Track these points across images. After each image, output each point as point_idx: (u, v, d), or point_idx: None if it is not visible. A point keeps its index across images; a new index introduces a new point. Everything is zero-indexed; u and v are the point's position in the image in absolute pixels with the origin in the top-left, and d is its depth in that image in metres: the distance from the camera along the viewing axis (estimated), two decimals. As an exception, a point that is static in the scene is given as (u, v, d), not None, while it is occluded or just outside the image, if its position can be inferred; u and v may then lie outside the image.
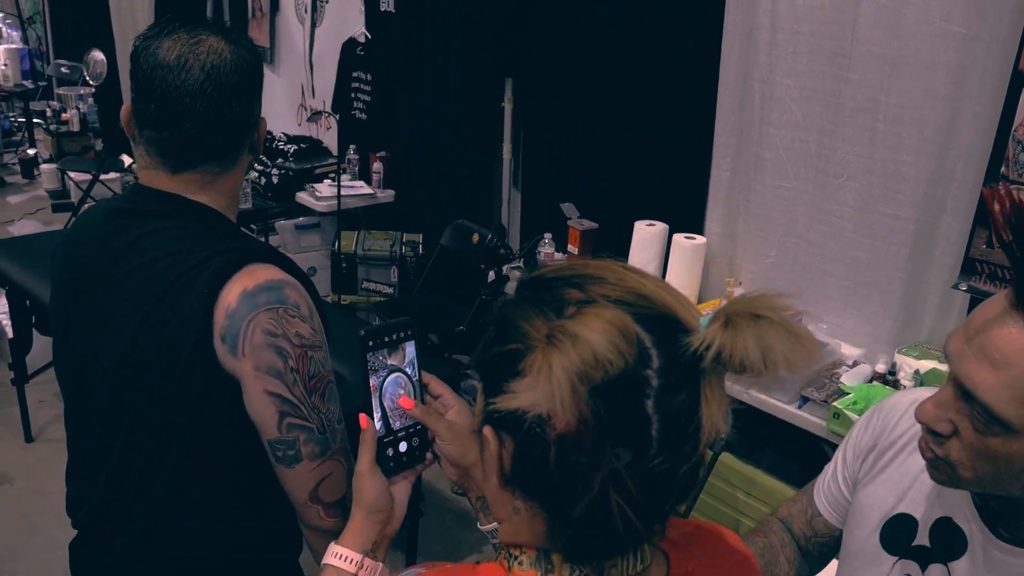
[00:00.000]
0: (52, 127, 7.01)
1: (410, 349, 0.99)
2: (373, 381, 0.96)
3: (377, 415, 0.97)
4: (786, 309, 0.65)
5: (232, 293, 1.10)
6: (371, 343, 0.96)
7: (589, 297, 0.67)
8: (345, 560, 0.95)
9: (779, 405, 2.44)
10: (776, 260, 2.87)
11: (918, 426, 0.97)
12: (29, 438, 3.61)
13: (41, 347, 3.47)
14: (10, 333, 3.50)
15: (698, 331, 0.66)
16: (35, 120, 7.67)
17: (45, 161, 7.00)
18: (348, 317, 3.43)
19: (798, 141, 2.71)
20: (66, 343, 1.29)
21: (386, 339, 0.97)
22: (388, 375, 0.97)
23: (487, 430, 0.72)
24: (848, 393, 2.34)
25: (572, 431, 0.63)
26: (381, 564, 0.97)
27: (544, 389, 0.61)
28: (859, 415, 2.24)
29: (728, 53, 2.88)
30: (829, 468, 1.25)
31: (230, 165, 1.20)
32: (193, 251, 1.13)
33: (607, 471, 0.64)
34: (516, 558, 0.74)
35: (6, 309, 3.52)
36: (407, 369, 0.99)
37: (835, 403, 2.28)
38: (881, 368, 2.48)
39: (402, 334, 0.98)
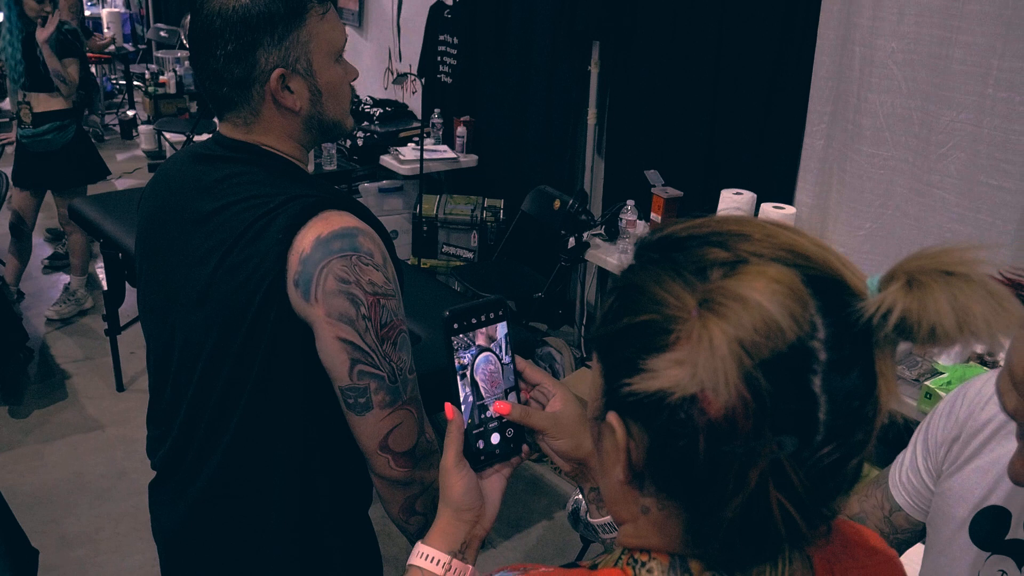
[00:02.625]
0: (150, 89, 7.22)
1: (501, 331, 0.89)
2: (459, 364, 0.87)
3: (465, 402, 0.87)
4: (981, 264, 0.54)
5: (306, 239, 1.09)
6: (456, 325, 0.86)
7: (738, 256, 0.56)
8: (432, 561, 0.87)
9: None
10: (870, 232, 2.75)
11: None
12: (120, 387, 3.75)
13: (133, 299, 3.59)
14: (104, 285, 3.63)
15: (867, 296, 0.56)
16: (135, 83, 7.92)
17: (143, 122, 7.22)
18: (428, 278, 3.44)
19: (900, 107, 2.58)
20: (148, 283, 1.30)
21: (473, 320, 0.87)
22: (477, 356, 0.87)
23: (612, 417, 0.61)
24: (942, 372, 2.23)
25: (728, 415, 0.53)
26: (471, 567, 0.89)
27: (704, 364, 0.51)
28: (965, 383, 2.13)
29: (827, 15, 2.75)
30: (905, 458, 1.16)
31: (250, 118, 1.17)
32: (269, 196, 1.13)
33: (767, 463, 0.54)
34: (643, 564, 0.63)
35: (102, 262, 3.65)
36: (497, 351, 0.89)
37: (927, 382, 2.18)
38: (980, 348, 2.35)
39: (492, 315, 0.88)
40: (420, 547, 0.89)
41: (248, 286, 1.11)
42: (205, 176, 1.20)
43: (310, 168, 4.26)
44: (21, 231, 4.14)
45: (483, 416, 0.89)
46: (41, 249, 4.97)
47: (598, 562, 0.67)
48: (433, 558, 0.88)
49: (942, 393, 2.13)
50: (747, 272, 0.55)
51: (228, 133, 1.20)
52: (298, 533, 1.25)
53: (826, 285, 0.55)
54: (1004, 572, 1.01)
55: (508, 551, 2.89)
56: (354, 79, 1.24)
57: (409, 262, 4.34)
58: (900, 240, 2.65)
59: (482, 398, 0.90)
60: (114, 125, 7.58)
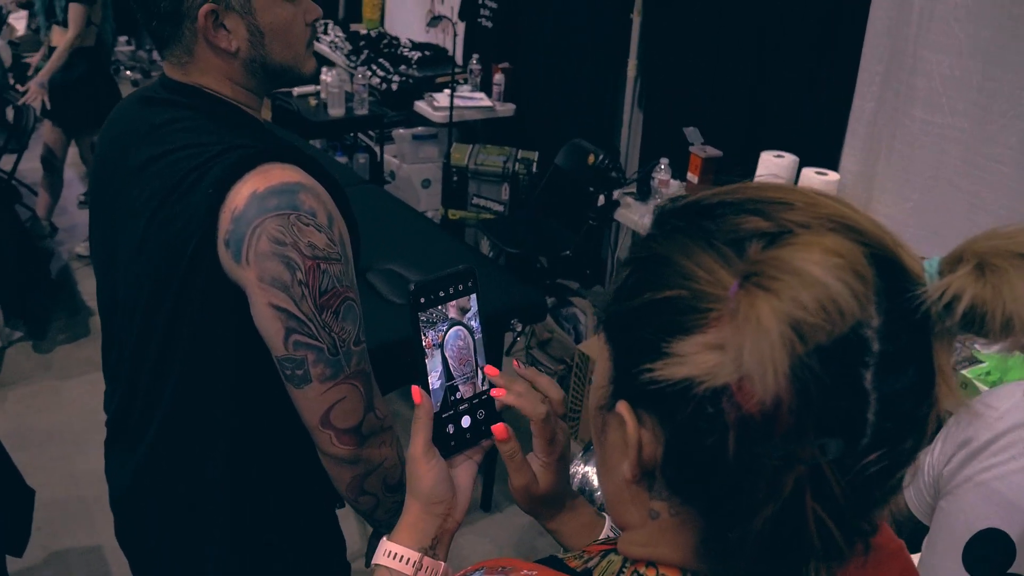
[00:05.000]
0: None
1: (473, 302, 0.81)
2: (427, 342, 0.78)
3: (434, 384, 0.79)
4: None
5: (240, 195, 0.98)
6: (423, 299, 0.77)
7: (781, 226, 0.49)
8: (400, 560, 0.78)
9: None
10: (917, 205, 2.55)
11: None
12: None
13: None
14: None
15: (924, 280, 0.48)
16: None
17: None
18: (449, 235, 3.30)
19: (959, 69, 2.36)
20: (94, 233, 1.24)
21: (441, 293, 0.79)
22: (448, 331, 0.79)
23: (622, 407, 0.54)
24: (982, 362, 2.05)
25: (767, 411, 0.45)
26: (443, 564, 0.80)
27: (751, 349, 0.43)
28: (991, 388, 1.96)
29: (886, -36, 2.53)
30: (925, 457, 1.04)
31: (184, 58, 1.07)
32: (207, 145, 1.03)
33: (805, 469, 0.46)
34: None
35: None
36: (469, 324, 0.81)
37: (964, 371, 2.01)
38: (1027, 338, 2.16)
39: (462, 286, 0.80)
40: (386, 544, 0.80)
41: (177, 243, 1.01)
42: (148, 121, 1.11)
43: (338, 112, 4.16)
44: (52, 165, 4.13)
45: (453, 398, 0.81)
46: (77, 185, 4.98)
47: (591, 567, 0.58)
48: (402, 556, 0.78)
49: (980, 385, 1.96)
50: (801, 242, 0.46)
51: (170, 74, 1.10)
52: (232, 506, 1.17)
53: (884, 265, 0.48)
54: None
55: (502, 526, 2.81)
56: (314, 18, 1.12)
57: (438, 212, 4.23)
58: (949, 215, 2.45)
59: (452, 378, 0.80)
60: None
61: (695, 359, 0.45)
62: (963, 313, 0.46)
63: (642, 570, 0.56)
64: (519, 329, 3.56)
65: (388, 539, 0.80)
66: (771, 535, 0.48)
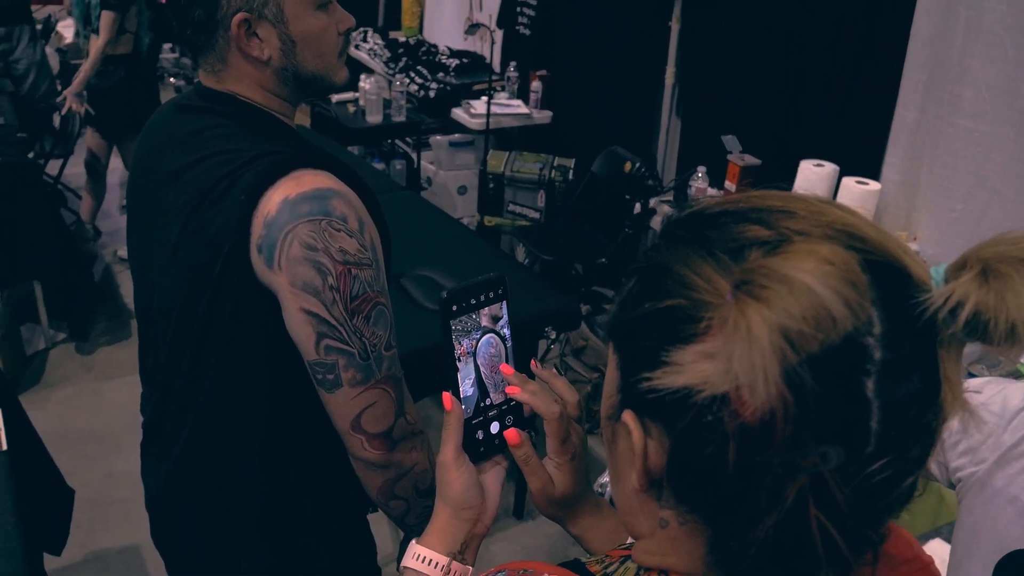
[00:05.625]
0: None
1: (504, 310, 0.82)
2: (459, 350, 0.79)
3: (466, 391, 0.80)
4: None
5: (273, 201, 0.99)
6: (455, 307, 0.78)
7: (781, 235, 0.49)
8: (429, 564, 0.79)
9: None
10: (961, 215, 2.50)
11: None
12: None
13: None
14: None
15: (931, 287, 0.48)
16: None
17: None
18: (485, 243, 3.29)
19: (1005, 79, 2.31)
20: (131, 240, 1.26)
21: (473, 301, 0.79)
22: (481, 338, 0.80)
23: (628, 416, 0.54)
24: (1027, 377, 2.00)
25: (765, 420, 0.45)
26: (471, 568, 0.81)
27: (740, 358, 0.43)
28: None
29: (931, -29, 2.49)
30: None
31: (218, 66, 1.08)
32: (239, 152, 1.04)
33: (807, 478, 0.46)
34: None
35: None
36: (502, 331, 0.82)
37: (1009, 386, 1.96)
38: (1074, 351, 2.11)
39: (491, 294, 0.80)
40: (415, 548, 0.80)
41: (211, 249, 1.02)
42: (183, 128, 1.12)
43: (376, 119, 4.19)
44: (96, 169, 4.21)
45: (483, 404, 0.82)
46: (120, 190, 5.07)
47: (610, 572, 0.59)
48: (430, 560, 0.79)
49: (1024, 399, 1.91)
50: (794, 251, 0.47)
51: (204, 81, 1.12)
52: (265, 509, 1.18)
53: (885, 272, 0.48)
54: None
55: (534, 534, 2.80)
56: (347, 28, 1.13)
57: (474, 219, 4.24)
58: (993, 225, 2.40)
59: (483, 385, 0.81)
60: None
61: (692, 368, 0.46)
62: (966, 320, 0.46)
63: None
64: (553, 336, 3.55)
65: (417, 543, 0.81)
66: (775, 544, 0.48)
